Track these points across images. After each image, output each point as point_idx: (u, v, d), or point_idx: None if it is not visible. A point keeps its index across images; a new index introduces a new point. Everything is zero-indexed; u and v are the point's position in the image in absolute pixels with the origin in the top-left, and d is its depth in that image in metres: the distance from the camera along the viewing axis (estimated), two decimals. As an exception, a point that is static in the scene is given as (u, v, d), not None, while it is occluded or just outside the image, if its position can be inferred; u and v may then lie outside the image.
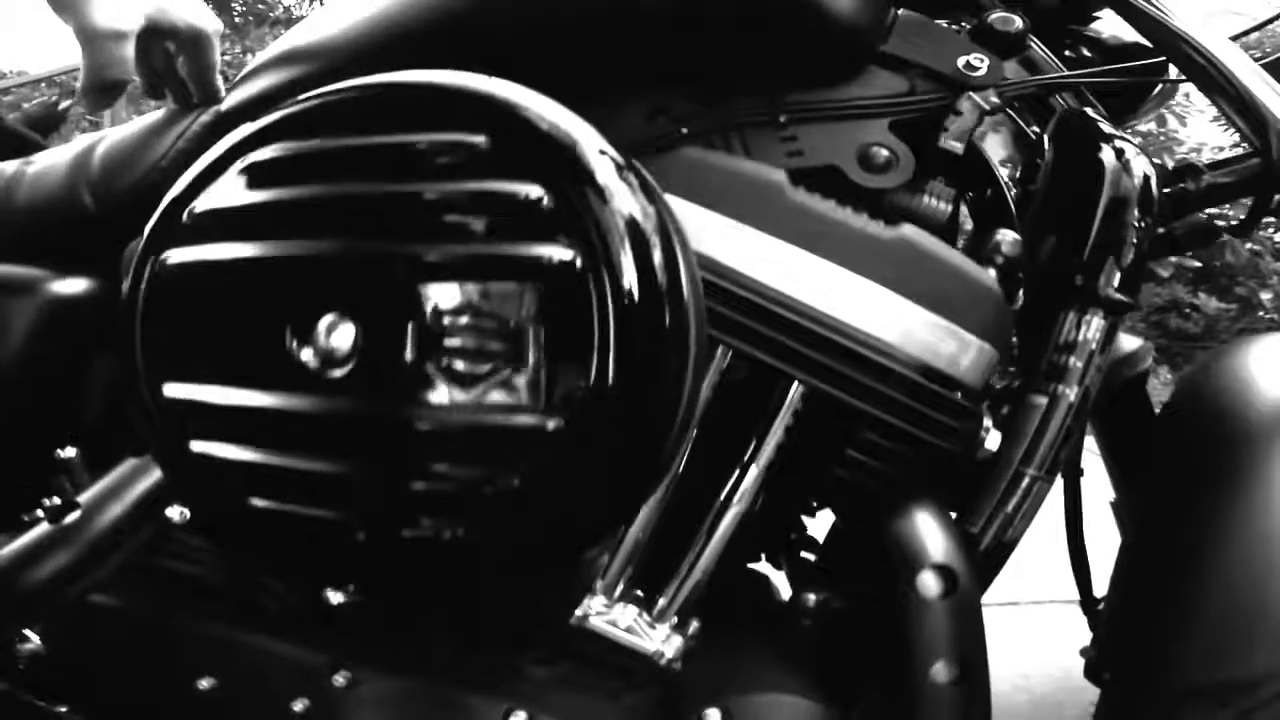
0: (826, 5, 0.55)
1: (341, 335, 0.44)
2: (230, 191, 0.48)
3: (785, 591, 0.67)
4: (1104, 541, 0.75)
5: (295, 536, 0.47)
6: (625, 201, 0.43)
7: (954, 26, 0.68)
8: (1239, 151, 0.72)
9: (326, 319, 0.45)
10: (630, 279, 0.42)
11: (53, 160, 0.74)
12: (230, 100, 0.70)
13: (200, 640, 0.61)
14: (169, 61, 0.71)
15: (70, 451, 0.64)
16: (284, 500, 0.47)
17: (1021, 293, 0.63)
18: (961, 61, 0.60)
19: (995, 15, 0.62)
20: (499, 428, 0.43)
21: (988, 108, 0.59)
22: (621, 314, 0.41)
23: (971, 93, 0.59)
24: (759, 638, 0.61)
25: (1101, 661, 0.63)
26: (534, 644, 0.58)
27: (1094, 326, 0.61)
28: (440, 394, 0.43)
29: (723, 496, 0.56)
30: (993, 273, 0.59)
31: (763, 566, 0.72)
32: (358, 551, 0.46)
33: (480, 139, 0.44)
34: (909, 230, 0.56)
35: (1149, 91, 0.77)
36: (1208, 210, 0.73)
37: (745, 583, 0.70)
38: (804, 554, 0.70)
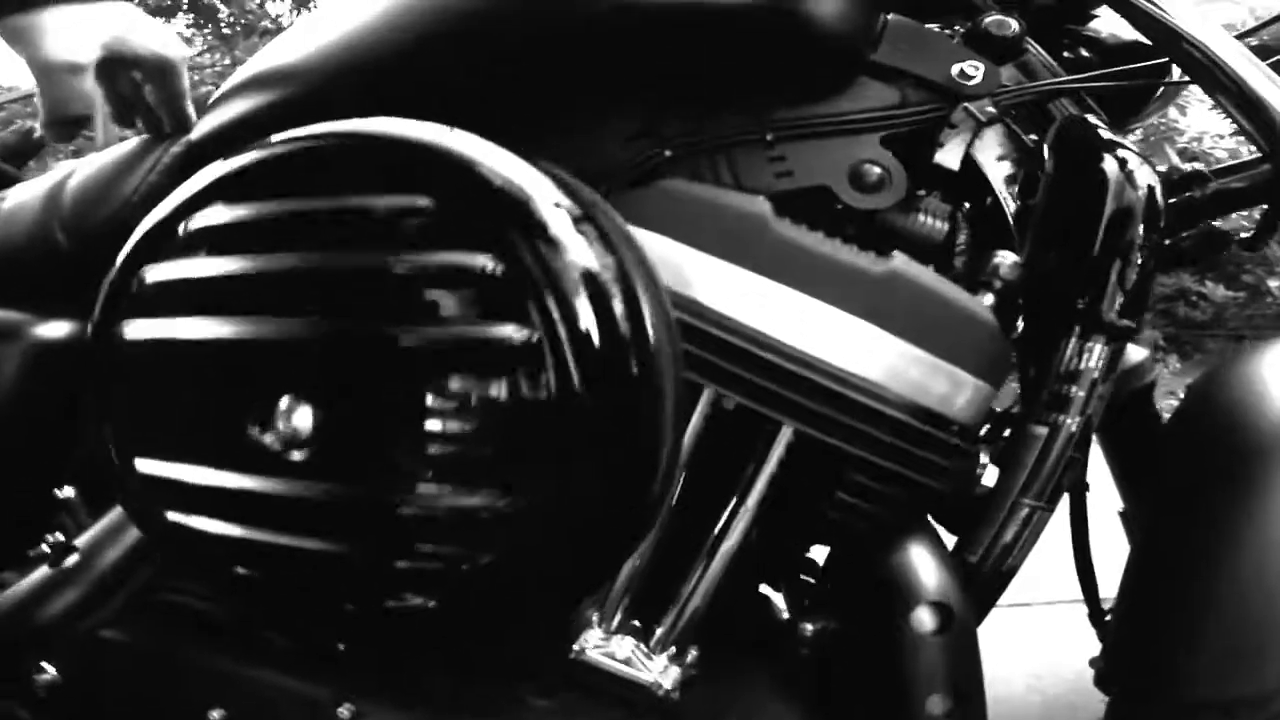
0: (812, 14, 0.53)
1: (301, 417, 0.44)
2: (176, 262, 0.47)
3: (786, 613, 0.66)
4: (1106, 541, 0.74)
5: (279, 602, 0.48)
6: (582, 256, 0.41)
7: (947, 31, 0.66)
8: (1241, 146, 0.70)
9: (284, 401, 0.44)
10: (590, 344, 0.40)
11: (25, 196, 0.72)
12: (201, 128, 0.68)
13: (209, 673, 0.62)
14: (137, 89, 0.69)
15: (69, 490, 0.64)
16: (264, 571, 0.47)
17: (1022, 316, 0.61)
18: (955, 69, 0.58)
19: (990, 19, 0.59)
20: (466, 510, 0.42)
21: (983, 119, 0.57)
22: (585, 383, 0.40)
23: (966, 103, 0.57)
24: (758, 665, 0.61)
25: (1109, 673, 0.62)
26: (534, 676, 0.58)
27: (1096, 354, 0.59)
28: (403, 477, 0.43)
29: (716, 531, 0.56)
30: (990, 298, 0.57)
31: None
32: (342, 617, 0.46)
33: (426, 202, 0.42)
34: (899, 263, 0.55)
35: (1153, 93, 0.74)
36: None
37: (745, 606, 0.68)
38: (804, 577, 0.69)
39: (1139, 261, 0.58)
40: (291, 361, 0.44)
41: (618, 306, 0.41)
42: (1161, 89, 0.74)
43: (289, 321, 0.44)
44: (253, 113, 0.64)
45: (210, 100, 0.68)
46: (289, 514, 0.45)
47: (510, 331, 0.41)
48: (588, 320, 0.41)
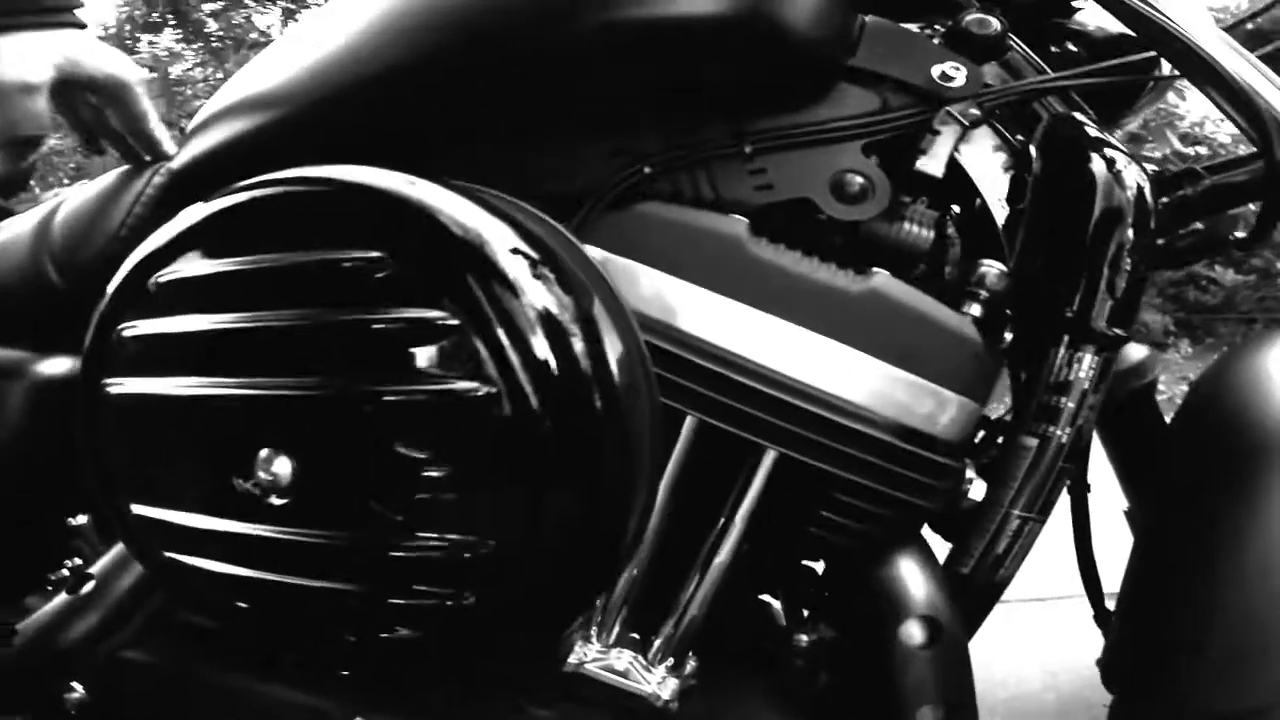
0: (787, 20, 0.52)
1: (280, 466, 0.45)
2: (149, 321, 0.49)
3: (782, 622, 0.67)
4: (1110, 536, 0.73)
5: (279, 634, 0.50)
6: (540, 300, 0.42)
7: (927, 31, 0.65)
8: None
9: (263, 452, 0.45)
10: (552, 391, 0.41)
11: (14, 232, 0.72)
12: (184, 156, 0.67)
13: (223, 689, 0.64)
14: (99, 115, 0.68)
15: (82, 519, 0.66)
16: (262, 605, 0.48)
17: (1010, 325, 0.60)
18: (937, 71, 0.56)
19: (970, 17, 0.58)
20: (445, 554, 0.43)
21: (967, 122, 0.56)
22: (550, 428, 0.41)
23: (949, 106, 0.56)
24: (755, 674, 0.62)
25: (1110, 674, 0.62)
26: (535, 688, 0.58)
27: (1086, 364, 0.58)
28: (378, 525, 0.44)
29: (707, 546, 0.56)
30: (977, 309, 0.56)
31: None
32: (341, 646, 0.48)
33: (386, 258, 0.43)
34: (880, 281, 0.54)
35: (1143, 87, 0.73)
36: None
37: (741, 617, 0.69)
38: (803, 586, 0.68)
39: (1129, 267, 0.57)
40: (263, 416, 0.46)
41: (578, 346, 0.42)
42: (1153, 83, 0.72)
43: (258, 379, 0.45)
44: (235, 139, 0.63)
45: (191, 125, 0.67)
46: (278, 555, 0.46)
47: (471, 385, 0.41)
48: (548, 367, 0.41)
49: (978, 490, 0.57)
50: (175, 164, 0.67)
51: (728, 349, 0.53)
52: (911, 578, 0.55)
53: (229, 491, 0.46)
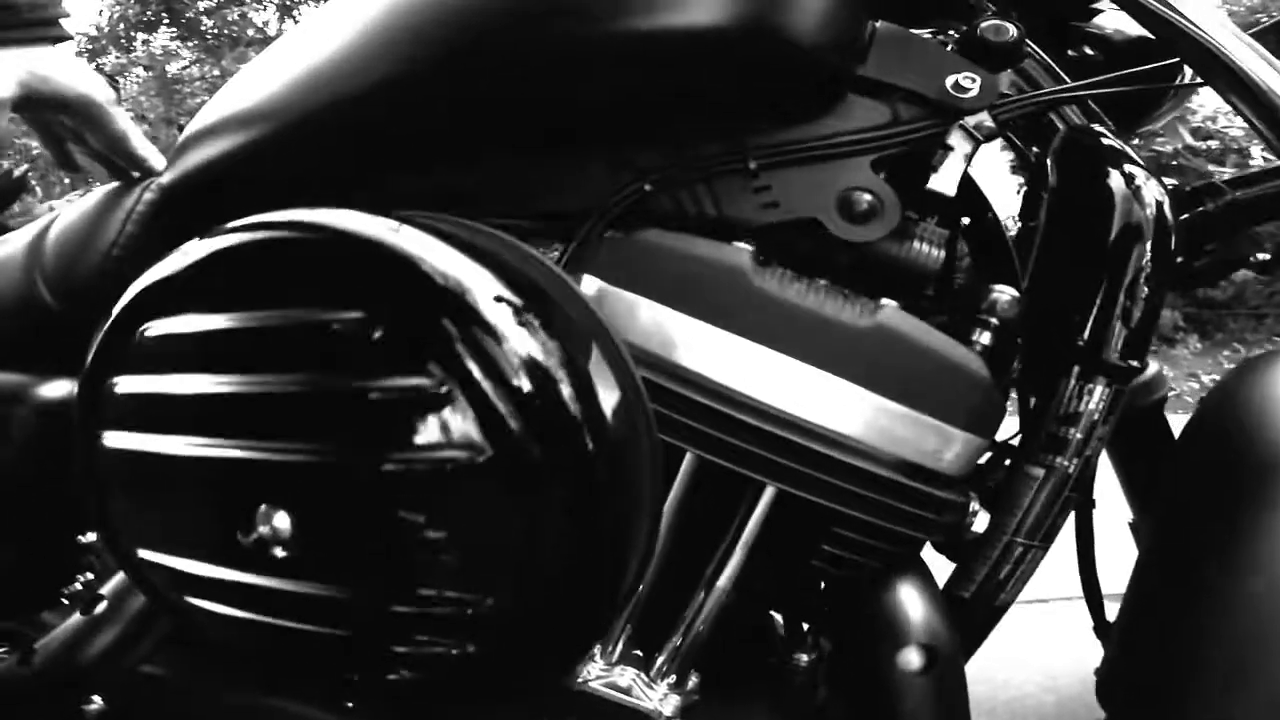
0: (793, 26, 0.49)
1: (279, 520, 0.45)
2: (137, 376, 0.49)
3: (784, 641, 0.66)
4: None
5: (287, 672, 0.52)
6: (528, 349, 0.41)
7: (939, 37, 0.62)
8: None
9: (261, 507, 0.45)
10: (540, 447, 0.41)
11: (6, 250, 0.71)
12: (173, 172, 0.65)
13: (238, 705, 0.65)
14: (76, 135, 0.67)
15: (91, 536, 0.67)
16: (268, 646, 0.49)
17: (1021, 351, 0.59)
18: (950, 81, 0.54)
19: (986, 24, 0.55)
20: (446, 609, 0.43)
21: (981, 136, 0.53)
22: (541, 481, 0.41)
23: (963, 119, 0.53)
24: (756, 691, 0.63)
25: (1107, 690, 0.62)
26: (540, 706, 0.59)
27: (1096, 396, 0.56)
28: (377, 581, 0.44)
29: (709, 571, 0.56)
30: (987, 337, 0.55)
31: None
32: (348, 685, 0.48)
33: (365, 316, 0.42)
34: (887, 316, 0.53)
35: (1165, 94, 0.70)
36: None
37: (745, 632, 0.68)
38: (806, 605, 0.68)
39: (1145, 294, 0.55)
40: (259, 478, 0.46)
41: (568, 396, 0.41)
42: (1174, 91, 0.70)
43: (250, 442, 0.45)
44: (227, 153, 0.61)
45: (180, 139, 0.65)
46: (282, 603, 0.47)
47: (465, 454, 0.41)
48: (540, 425, 0.41)
49: (981, 521, 0.57)
50: (166, 179, 0.66)
51: (728, 385, 0.52)
52: (911, 603, 0.55)
53: (233, 543, 0.46)
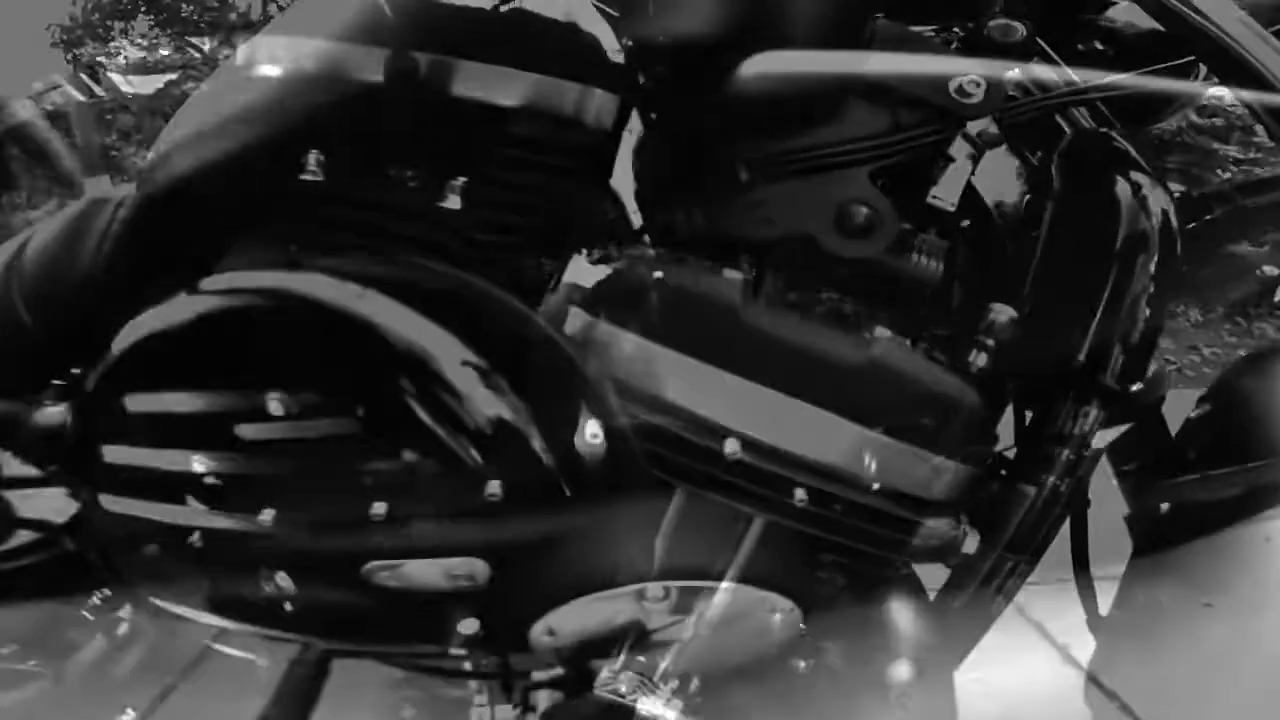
0: (786, 24, 0.49)
1: (282, 580, 0.49)
2: (124, 447, 0.51)
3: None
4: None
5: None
6: (491, 407, 0.43)
7: (943, 34, 0.59)
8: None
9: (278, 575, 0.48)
10: (524, 501, 0.43)
11: None
12: (152, 182, 0.62)
13: None
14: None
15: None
16: None
17: (1017, 370, 0.57)
18: (954, 85, 0.51)
19: (994, 23, 0.52)
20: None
21: (984, 144, 0.51)
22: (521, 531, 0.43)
23: (966, 126, 0.51)
24: (759, 690, 0.63)
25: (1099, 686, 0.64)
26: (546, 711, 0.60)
27: (1091, 418, 0.56)
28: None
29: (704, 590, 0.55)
30: (983, 359, 0.54)
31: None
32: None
33: (340, 402, 0.44)
34: (881, 350, 0.52)
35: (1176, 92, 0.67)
36: None
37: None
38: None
39: (1147, 314, 0.54)
40: (255, 547, 0.48)
41: (537, 445, 0.43)
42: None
43: (240, 517, 0.48)
44: (196, 172, 0.59)
45: (150, 155, 0.63)
46: None
47: (451, 538, 0.44)
48: (507, 476, 0.43)
49: (971, 541, 0.56)
50: (139, 196, 0.64)
51: (716, 420, 0.51)
52: (901, 615, 0.56)
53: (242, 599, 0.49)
